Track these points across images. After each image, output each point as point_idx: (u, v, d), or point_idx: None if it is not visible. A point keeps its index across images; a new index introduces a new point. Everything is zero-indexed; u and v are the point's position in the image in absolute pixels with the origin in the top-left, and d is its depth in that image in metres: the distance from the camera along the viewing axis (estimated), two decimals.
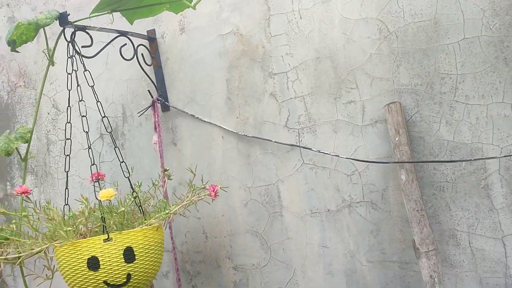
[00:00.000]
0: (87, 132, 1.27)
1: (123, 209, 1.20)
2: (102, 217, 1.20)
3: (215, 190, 1.30)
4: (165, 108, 1.67)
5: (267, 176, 1.51)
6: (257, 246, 1.54)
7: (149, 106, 1.64)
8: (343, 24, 1.38)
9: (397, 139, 1.26)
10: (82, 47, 1.38)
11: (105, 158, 1.82)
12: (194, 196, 1.37)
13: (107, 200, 1.17)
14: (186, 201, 1.29)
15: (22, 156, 1.41)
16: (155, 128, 1.64)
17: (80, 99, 1.30)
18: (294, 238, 1.48)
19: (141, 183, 1.49)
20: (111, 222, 1.18)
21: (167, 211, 1.20)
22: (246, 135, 1.52)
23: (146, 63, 1.63)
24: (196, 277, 1.64)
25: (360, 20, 1.36)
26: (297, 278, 1.47)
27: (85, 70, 1.34)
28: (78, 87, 1.30)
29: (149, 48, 1.68)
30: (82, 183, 1.88)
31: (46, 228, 1.30)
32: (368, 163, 1.36)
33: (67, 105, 1.35)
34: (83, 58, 1.35)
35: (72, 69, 1.31)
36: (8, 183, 2.09)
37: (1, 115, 2.08)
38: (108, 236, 1.18)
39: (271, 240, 1.51)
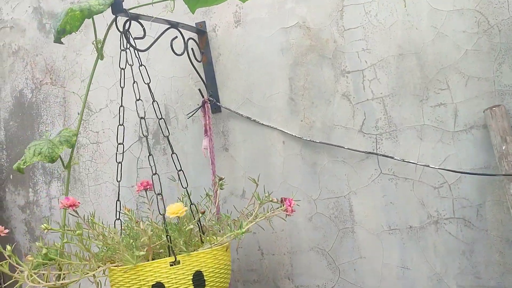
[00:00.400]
0: (146, 137, 1.10)
1: (191, 226, 1.03)
2: (167, 236, 1.02)
3: (291, 205, 1.13)
4: (216, 109, 1.50)
5: (337, 187, 1.34)
6: (323, 266, 1.37)
7: (200, 107, 1.46)
8: (433, 16, 1.22)
9: (503, 148, 1.09)
10: (135, 39, 1.20)
11: (143, 164, 1.64)
12: (259, 208, 1.20)
13: (176, 217, 1.00)
14: (261, 217, 1.12)
15: (65, 163, 1.24)
16: (206, 132, 1.47)
17: (138, 98, 1.12)
18: (368, 258, 1.31)
19: (190, 193, 1.33)
20: (181, 242, 1.01)
21: (243, 230, 1.03)
22: (313, 141, 1.36)
23: (196, 59, 1.46)
24: None
25: (454, 11, 1.19)
26: None
27: (141, 65, 1.17)
28: (135, 84, 1.12)
29: (198, 42, 1.51)
30: (116, 191, 1.70)
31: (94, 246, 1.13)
32: (461, 174, 1.19)
33: (120, 104, 1.17)
34: (137, 51, 1.18)
35: (126, 63, 1.14)
36: (30, 189, 1.91)
37: (24, 115, 1.90)
38: (176, 258, 1.01)
39: (340, 259, 1.35)
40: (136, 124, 1.64)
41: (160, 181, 1.09)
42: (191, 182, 1.54)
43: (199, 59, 1.48)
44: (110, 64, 1.68)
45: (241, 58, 1.46)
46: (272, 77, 1.41)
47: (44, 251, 1.00)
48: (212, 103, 1.47)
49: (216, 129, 1.51)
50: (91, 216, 1.17)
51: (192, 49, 1.45)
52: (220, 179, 1.37)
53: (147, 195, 1.34)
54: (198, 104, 1.52)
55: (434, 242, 1.23)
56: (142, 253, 0.95)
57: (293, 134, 1.38)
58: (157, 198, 1.06)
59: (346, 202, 1.33)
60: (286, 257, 1.42)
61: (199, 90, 1.45)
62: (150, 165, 1.08)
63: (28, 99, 1.89)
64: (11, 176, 1.95)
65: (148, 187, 1.33)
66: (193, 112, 1.47)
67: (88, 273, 1.02)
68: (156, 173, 1.08)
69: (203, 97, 1.46)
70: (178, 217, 1.01)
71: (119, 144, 1.17)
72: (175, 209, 0.99)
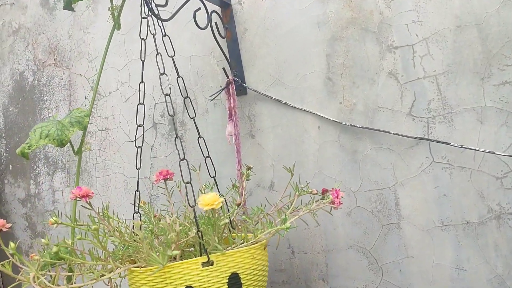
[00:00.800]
0: (172, 116, 0.94)
1: (226, 220, 0.88)
2: (198, 231, 0.87)
3: (338, 197, 0.98)
4: (241, 91, 1.35)
5: (381, 178, 1.19)
6: (364, 266, 1.22)
7: (223, 88, 1.31)
8: None
9: None
10: (157, 6, 1.05)
11: (158, 153, 1.49)
12: (296, 201, 1.05)
13: (210, 209, 0.84)
14: (305, 211, 0.96)
15: (75, 148, 1.08)
16: (230, 116, 1.31)
17: (162, 72, 0.96)
18: (416, 257, 1.16)
19: (212, 186, 1.18)
20: (216, 239, 0.85)
21: (288, 225, 0.88)
22: (353, 125, 1.20)
23: (220, 35, 1.31)
24: None
25: None
26: None
27: (164, 35, 1.01)
28: (158, 55, 0.96)
29: (221, 16, 1.35)
30: (128, 182, 1.54)
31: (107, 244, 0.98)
32: None
33: (140, 80, 1.01)
34: (160, 20, 1.02)
35: (148, 32, 0.98)
36: (32, 181, 1.75)
37: (25, 100, 1.74)
38: (209, 258, 0.86)
39: (384, 259, 1.20)
40: (150, 108, 1.48)
41: (189, 168, 0.93)
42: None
43: (223, 35, 1.33)
44: (121, 42, 1.53)
45: (270, 33, 1.30)
46: (306, 54, 1.26)
47: (54, 249, 0.84)
48: (237, 84, 1.32)
49: (241, 114, 1.35)
50: (104, 209, 1.02)
51: (215, 23, 1.30)
52: (249, 168, 1.22)
53: (166, 186, 1.18)
54: (220, 86, 1.37)
55: (496, 240, 1.08)
56: (176, 252, 0.79)
57: (330, 118, 1.23)
58: (186, 188, 0.91)
59: (391, 195, 1.18)
60: (321, 256, 1.27)
61: (223, 69, 1.30)
62: (177, 149, 0.93)
63: (30, 82, 1.73)
64: (11, 166, 1.79)
65: (168, 176, 1.17)
66: (216, 94, 1.32)
67: (105, 275, 0.87)
68: (184, 158, 0.92)
69: (227, 77, 1.30)
70: (213, 210, 0.85)
71: (139, 125, 1.02)
72: (210, 199, 0.84)
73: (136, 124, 1.03)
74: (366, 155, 1.20)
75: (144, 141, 1.49)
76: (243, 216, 1.12)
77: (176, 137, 0.93)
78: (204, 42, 1.39)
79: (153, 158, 1.49)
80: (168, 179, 1.18)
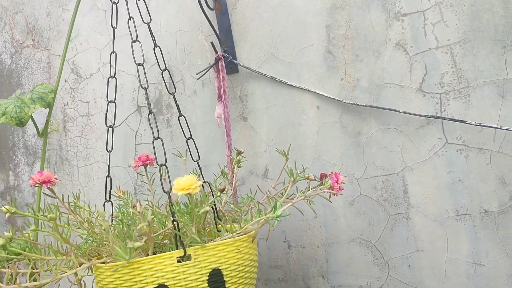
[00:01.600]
0: (145, 89, 0.81)
1: (207, 208, 0.75)
2: (174, 221, 0.74)
3: (339, 182, 0.85)
4: (232, 68, 1.22)
5: (387, 163, 1.06)
6: (368, 261, 1.09)
7: (212, 65, 1.18)
8: None
9: None
10: None
11: (142, 139, 1.36)
12: (291, 188, 0.93)
13: (186, 195, 0.71)
14: (299, 198, 0.83)
15: (40, 130, 0.95)
16: (219, 96, 1.18)
17: (135, 39, 0.83)
18: (427, 251, 1.03)
19: (200, 174, 1.05)
20: (193, 229, 0.73)
21: (279, 213, 0.75)
22: (356, 104, 1.07)
23: (209, 7, 1.18)
24: None
25: None
26: None
27: None
28: (130, 20, 0.84)
29: None
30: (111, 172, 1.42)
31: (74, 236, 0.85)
32: None
33: (111, 51, 0.89)
34: None
35: None
36: (11, 172, 1.63)
37: (2, 85, 1.62)
38: (185, 252, 0.73)
39: (390, 253, 1.07)
40: (134, 91, 1.36)
41: (164, 149, 0.81)
42: (200, 159, 1.26)
43: (211, 7, 1.20)
44: (102, 20, 1.40)
45: (263, 3, 1.17)
46: (304, 26, 1.13)
47: (1, 242, 0.72)
48: (227, 60, 1.19)
49: (232, 94, 1.22)
50: (74, 198, 0.90)
51: None
52: (239, 153, 1.09)
53: (147, 173, 1.06)
54: (209, 64, 1.24)
55: None
56: (138, 244, 0.66)
57: (331, 97, 1.10)
58: (160, 172, 0.78)
59: (399, 181, 1.05)
60: (320, 251, 1.14)
61: (212, 43, 1.17)
62: (150, 126, 0.80)
63: (7, 65, 1.60)
64: None
65: (148, 162, 1.05)
66: (204, 71, 1.19)
67: (65, 272, 0.74)
68: (159, 137, 0.79)
69: (216, 52, 1.17)
70: (189, 195, 0.72)
71: (110, 102, 0.89)
72: (185, 183, 0.71)
73: (107, 100, 0.90)
74: (371, 137, 1.07)
75: (127, 126, 1.37)
76: (232, 206, 0.99)
77: (150, 113, 0.80)
78: (192, 16, 1.26)
79: (137, 145, 1.37)
80: (149, 165, 1.06)
